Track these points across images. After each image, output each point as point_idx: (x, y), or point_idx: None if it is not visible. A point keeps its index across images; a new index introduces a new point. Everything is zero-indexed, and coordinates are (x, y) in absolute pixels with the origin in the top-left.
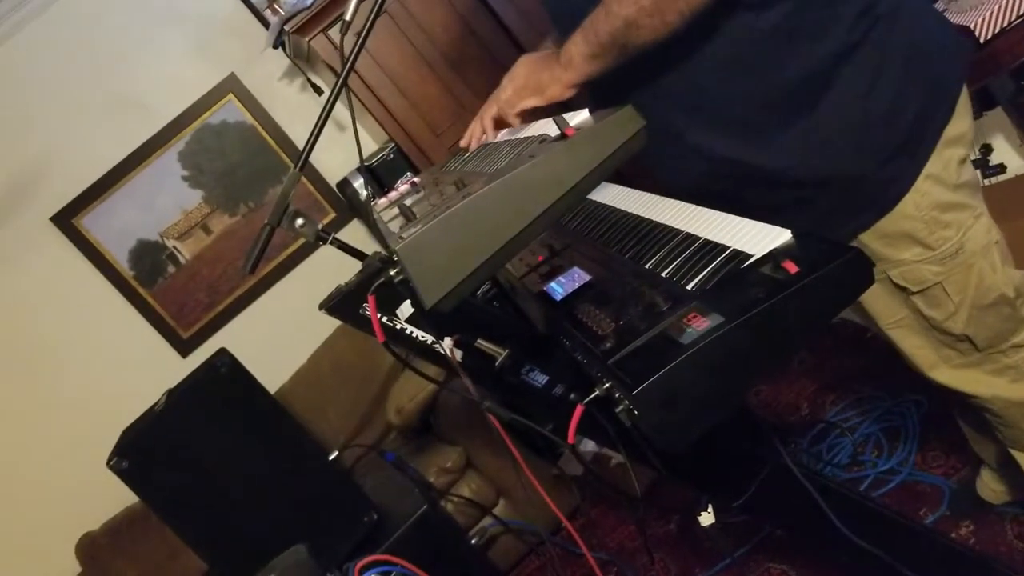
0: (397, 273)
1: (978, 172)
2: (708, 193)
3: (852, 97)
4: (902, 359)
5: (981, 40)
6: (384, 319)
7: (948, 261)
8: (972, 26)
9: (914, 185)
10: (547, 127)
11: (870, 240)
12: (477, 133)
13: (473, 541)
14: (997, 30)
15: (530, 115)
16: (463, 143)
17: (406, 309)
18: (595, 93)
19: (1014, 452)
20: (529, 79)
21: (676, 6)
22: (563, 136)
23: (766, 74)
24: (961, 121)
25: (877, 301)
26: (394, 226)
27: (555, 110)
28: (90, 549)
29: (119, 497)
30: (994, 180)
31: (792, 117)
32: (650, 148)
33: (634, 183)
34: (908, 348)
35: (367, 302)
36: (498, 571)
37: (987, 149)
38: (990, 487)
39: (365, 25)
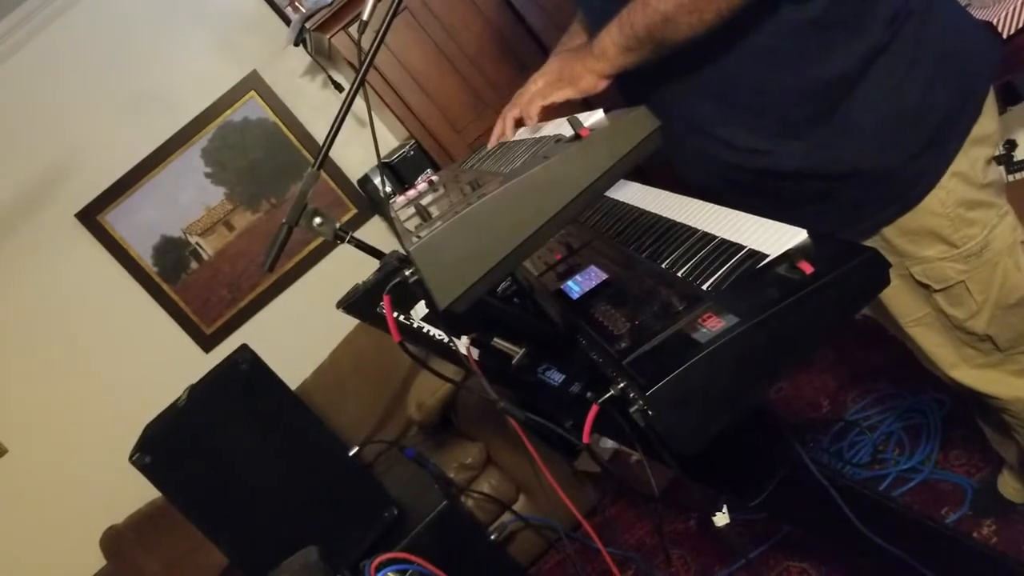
0: (412, 273)
1: (1002, 168)
2: (733, 185)
3: (884, 92)
4: (921, 359)
5: (1004, 35)
6: (401, 317)
7: (972, 259)
8: (995, 21)
9: (940, 182)
10: (562, 127)
11: (893, 235)
12: (498, 133)
13: (493, 537)
14: (1020, 25)
15: (551, 113)
16: (490, 145)
17: (422, 308)
18: (625, 83)
19: None
20: (563, 71)
21: (715, 5)
22: (577, 137)
23: (802, 67)
24: (988, 121)
25: (897, 298)
26: (410, 225)
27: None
28: (115, 542)
29: (143, 491)
30: (1019, 176)
31: (825, 110)
32: (674, 140)
33: (652, 180)
34: (928, 347)
35: (383, 301)
36: (518, 567)
37: (1011, 145)
38: (1012, 486)
39: (383, 24)
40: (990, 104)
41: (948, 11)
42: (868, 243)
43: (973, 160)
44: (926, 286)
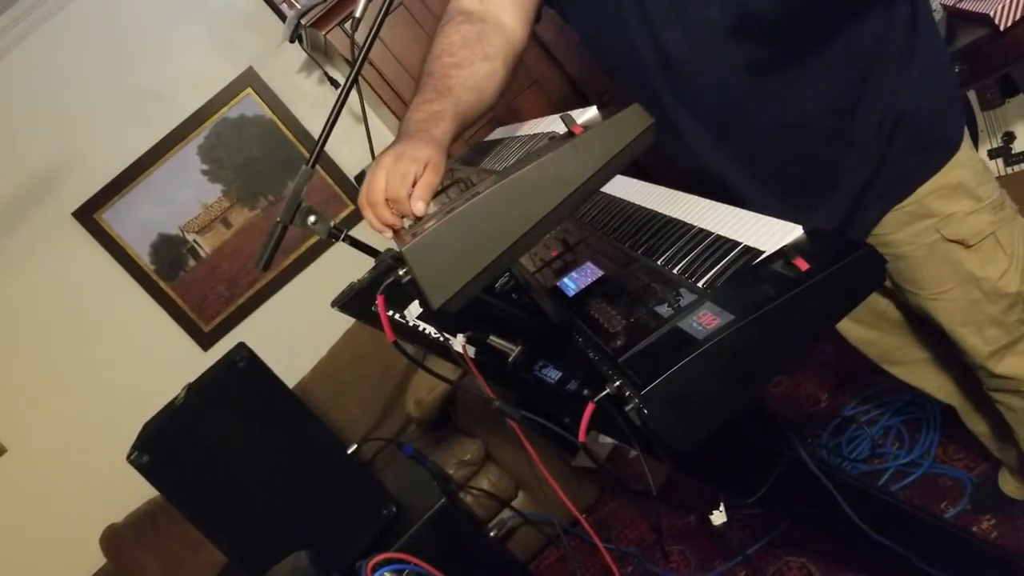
0: (405, 273)
1: (1000, 160)
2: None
3: (929, 44)
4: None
5: (1001, 27)
6: (396, 316)
7: (998, 211)
8: (992, 13)
9: (964, 135)
10: (555, 124)
11: (926, 195)
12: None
13: (492, 533)
14: (1018, 17)
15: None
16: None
17: (417, 306)
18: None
19: None
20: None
21: None
22: (571, 134)
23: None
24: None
25: (923, 268)
26: (404, 224)
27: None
28: (114, 541)
29: (143, 489)
30: (1017, 168)
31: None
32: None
33: (649, 176)
34: (950, 325)
35: (377, 301)
36: (517, 563)
37: (1009, 137)
38: (1013, 483)
39: (376, 19)
40: None
41: None
42: (900, 211)
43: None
44: (959, 243)
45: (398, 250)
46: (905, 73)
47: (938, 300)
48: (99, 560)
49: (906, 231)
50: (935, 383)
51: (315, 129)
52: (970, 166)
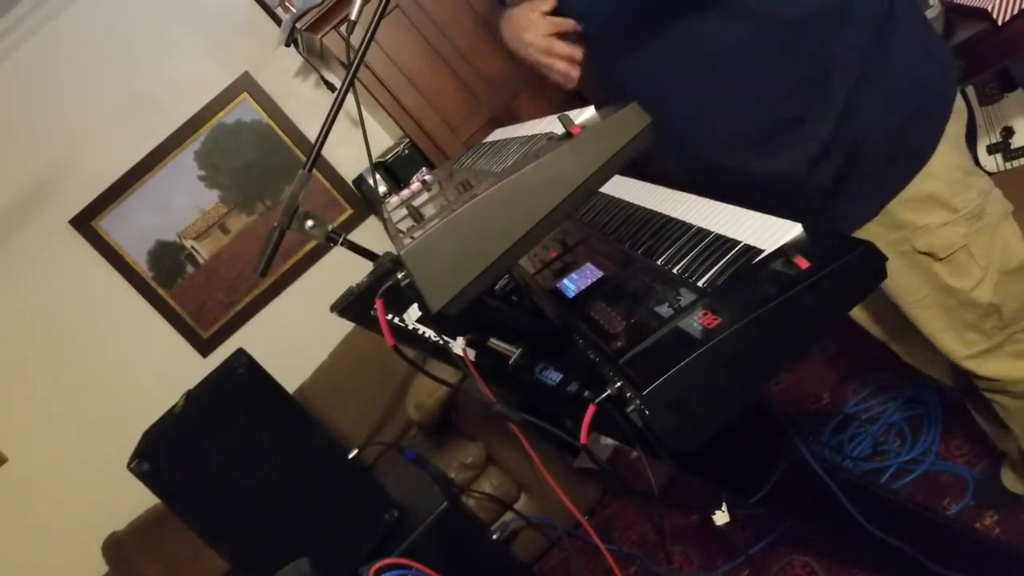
0: (404, 276)
1: (999, 155)
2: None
3: (906, 47)
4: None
5: (999, 22)
6: (396, 320)
7: (973, 222)
8: (989, 8)
9: (938, 145)
10: (553, 125)
11: (897, 208)
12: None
13: (495, 536)
14: (1015, 11)
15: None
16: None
17: (416, 310)
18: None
19: None
20: None
21: None
22: (568, 135)
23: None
24: (958, 96)
25: (898, 277)
26: (403, 226)
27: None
28: (116, 549)
29: (144, 497)
30: (1016, 163)
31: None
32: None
33: (648, 176)
34: (931, 331)
35: (376, 305)
36: (521, 565)
37: (1008, 132)
38: (1014, 477)
39: (372, 22)
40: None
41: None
42: (873, 223)
43: (957, 129)
44: (929, 255)
45: (396, 253)
46: (871, 81)
47: (916, 307)
48: (101, 568)
49: (880, 241)
50: (941, 370)
51: (312, 133)
52: (944, 175)
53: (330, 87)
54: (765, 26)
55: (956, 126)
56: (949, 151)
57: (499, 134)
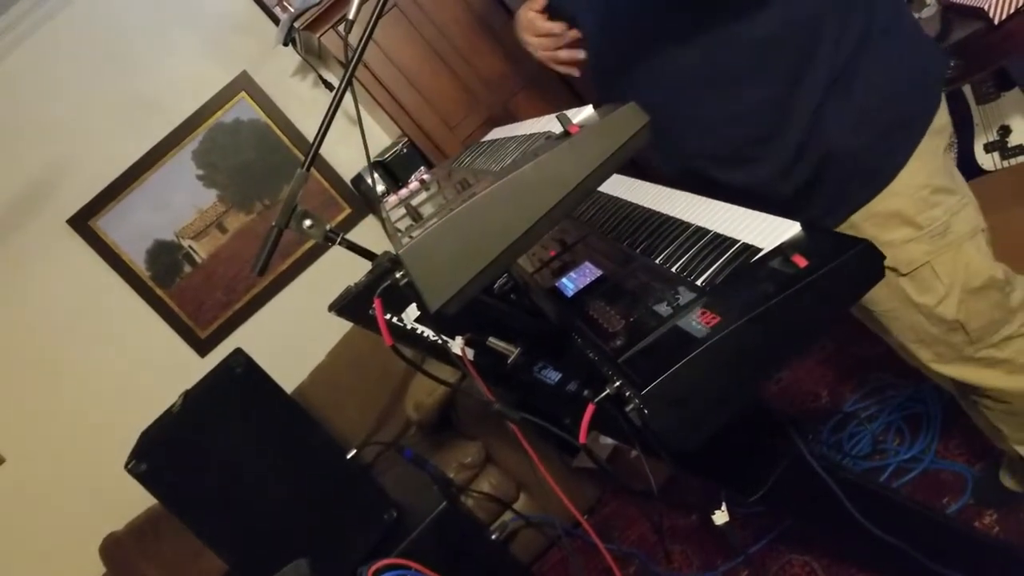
0: (403, 275)
1: (996, 154)
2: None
3: (872, 76)
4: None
5: (995, 21)
6: (394, 319)
7: (936, 240)
8: (986, 7)
9: (907, 164)
10: (551, 124)
11: (861, 221)
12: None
13: (494, 536)
14: (1012, 11)
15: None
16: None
17: (415, 309)
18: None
19: (1018, 448)
20: None
21: None
22: (567, 134)
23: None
24: (943, 114)
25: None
26: (401, 226)
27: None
28: (114, 549)
29: (142, 498)
30: (1013, 161)
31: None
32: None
33: (647, 175)
34: (903, 341)
35: (374, 304)
36: (520, 565)
37: (1005, 131)
38: (1013, 476)
39: (370, 21)
40: (943, 102)
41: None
42: (840, 229)
43: (935, 147)
44: (894, 269)
45: (395, 252)
46: (838, 100)
47: (886, 317)
48: (99, 569)
49: None
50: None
51: (310, 132)
52: (910, 193)
53: (328, 86)
54: (731, 44)
55: (934, 142)
56: (918, 169)
57: (497, 133)
